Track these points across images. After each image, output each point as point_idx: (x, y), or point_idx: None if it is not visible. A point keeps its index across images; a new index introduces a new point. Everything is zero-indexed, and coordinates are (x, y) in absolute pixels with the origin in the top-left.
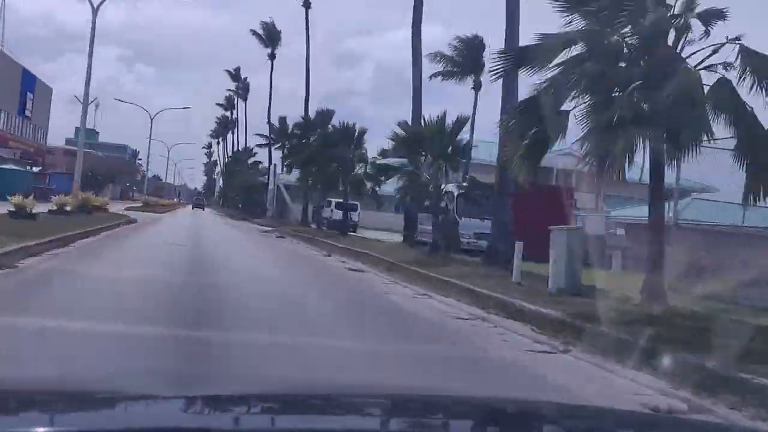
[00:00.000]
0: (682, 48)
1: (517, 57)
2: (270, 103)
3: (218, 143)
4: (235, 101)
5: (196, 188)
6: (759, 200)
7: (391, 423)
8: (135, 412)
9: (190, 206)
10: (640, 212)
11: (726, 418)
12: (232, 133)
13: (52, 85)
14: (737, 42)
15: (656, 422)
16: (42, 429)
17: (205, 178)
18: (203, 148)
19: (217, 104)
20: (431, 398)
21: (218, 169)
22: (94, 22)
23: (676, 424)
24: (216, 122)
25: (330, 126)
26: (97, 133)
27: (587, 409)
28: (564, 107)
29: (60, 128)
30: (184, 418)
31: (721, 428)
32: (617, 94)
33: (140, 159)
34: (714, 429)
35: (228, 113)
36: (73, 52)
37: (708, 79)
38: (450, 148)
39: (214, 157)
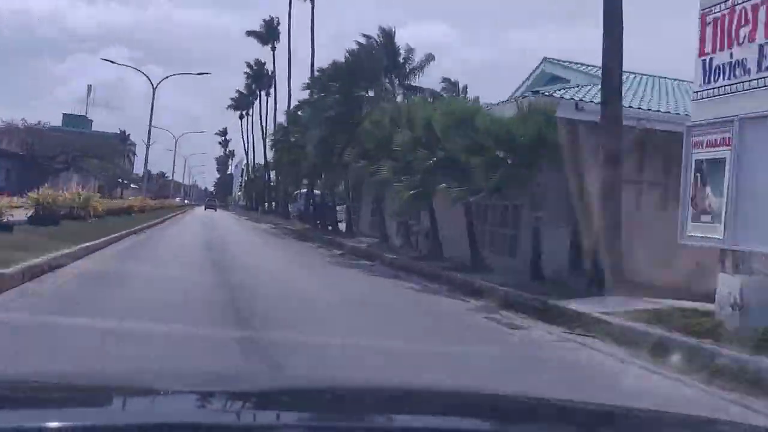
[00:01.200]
0: None
1: None
2: None
3: (242, 117)
4: (287, 19)
5: (206, 188)
6: None
7: (399, 419)
8: (150, 406)
9: (202, 207)
10: None
11: None
12: (268, 97)
13: (64, 86)
14: None
15: (660, 419)
16: (53, 424)
17: (218, 175)
18: (216, 134)
19: (249, 33)
20: (443, 394)
21: (233, 162)
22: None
23: (682, 422)
24: (247, 73)
25: None
26: (91, 121)
27: (593, 406)
28: None
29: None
30: (196, 414)
31: (724, 425)
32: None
33: (131, 143)
34: (715, 427)
35: (268, 47)
36: (83, 53)
37: None
38: None
39: (231, 147)
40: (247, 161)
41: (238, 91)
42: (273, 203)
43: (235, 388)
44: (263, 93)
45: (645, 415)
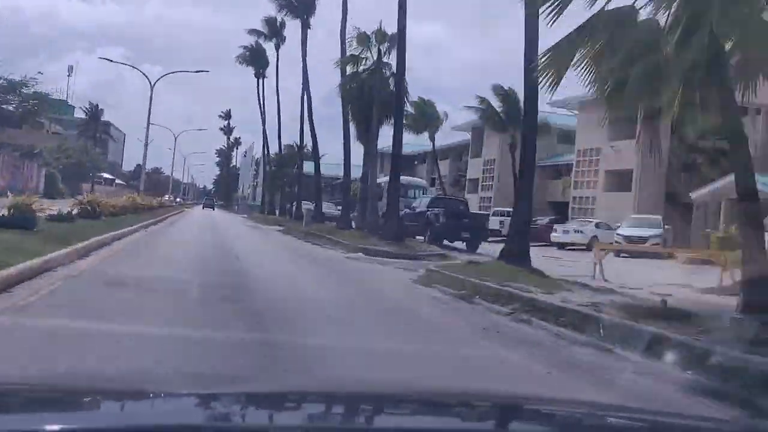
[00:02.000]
0: None
1: None
2: None
3: (260, 76)
4: None
5: (205, 186)
6: None
7: (399, 422)
8: (150, 409)
9: (200, 206)
10: None
11: None
12: (307, 28)
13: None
14: None
15: (652, 416)
16: (52, 426)
17: (218, 170)
18: (220, 116)
19: None
20: (435, 396)
21: (240, 151)
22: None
23: (676, 419)
24: None
25: None
26: (72, 107)
27: (584, 404)
28: None
29: None
30: (195, 415)
31: (719, 423)
32: None
33: (106, 123)
34: (711, 426)
35: None
36: (79, 51)
37: None
38: None
39: (236, 133)
40: (266, 145)
41: (253, 30)
42: (320, 204)
43: (233, 390)
44: (299, 23)
45: (641, 415)
